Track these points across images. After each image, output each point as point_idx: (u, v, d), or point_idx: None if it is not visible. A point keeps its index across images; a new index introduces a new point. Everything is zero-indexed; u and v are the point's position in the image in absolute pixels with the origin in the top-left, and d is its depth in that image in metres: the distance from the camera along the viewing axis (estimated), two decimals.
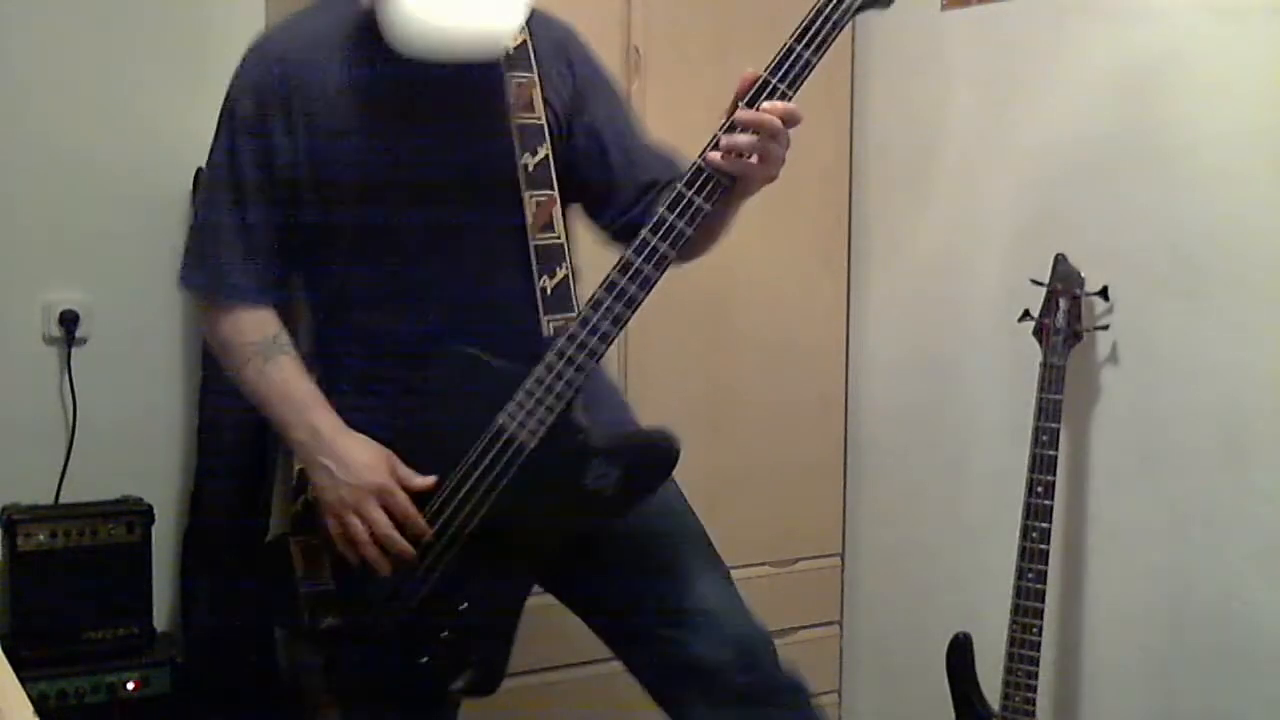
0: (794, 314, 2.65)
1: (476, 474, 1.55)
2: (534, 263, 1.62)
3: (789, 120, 1.48)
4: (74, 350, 2.46)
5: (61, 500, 2.42)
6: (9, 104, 2.41)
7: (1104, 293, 2.12)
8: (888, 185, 2.66)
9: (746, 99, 1.48)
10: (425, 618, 1.58)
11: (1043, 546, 2.04)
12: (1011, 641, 2.06)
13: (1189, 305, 2.07)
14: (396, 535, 1.54)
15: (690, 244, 1.51)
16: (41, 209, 2.44)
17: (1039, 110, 2.33)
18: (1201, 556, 2.07)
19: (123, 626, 2.31)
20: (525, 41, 1.66)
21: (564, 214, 1.67)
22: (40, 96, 2.43)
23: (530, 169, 1.63)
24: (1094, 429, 2.22)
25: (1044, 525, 2.04)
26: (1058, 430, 2.06)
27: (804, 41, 1.47)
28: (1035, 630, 2.04)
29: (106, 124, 2.49)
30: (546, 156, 1.64)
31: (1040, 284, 2.13)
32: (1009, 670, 2.06)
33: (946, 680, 2.16)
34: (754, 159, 1.48)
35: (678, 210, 1.48)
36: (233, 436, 2.48)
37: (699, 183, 1.48)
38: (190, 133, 2.52)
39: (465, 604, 1.57)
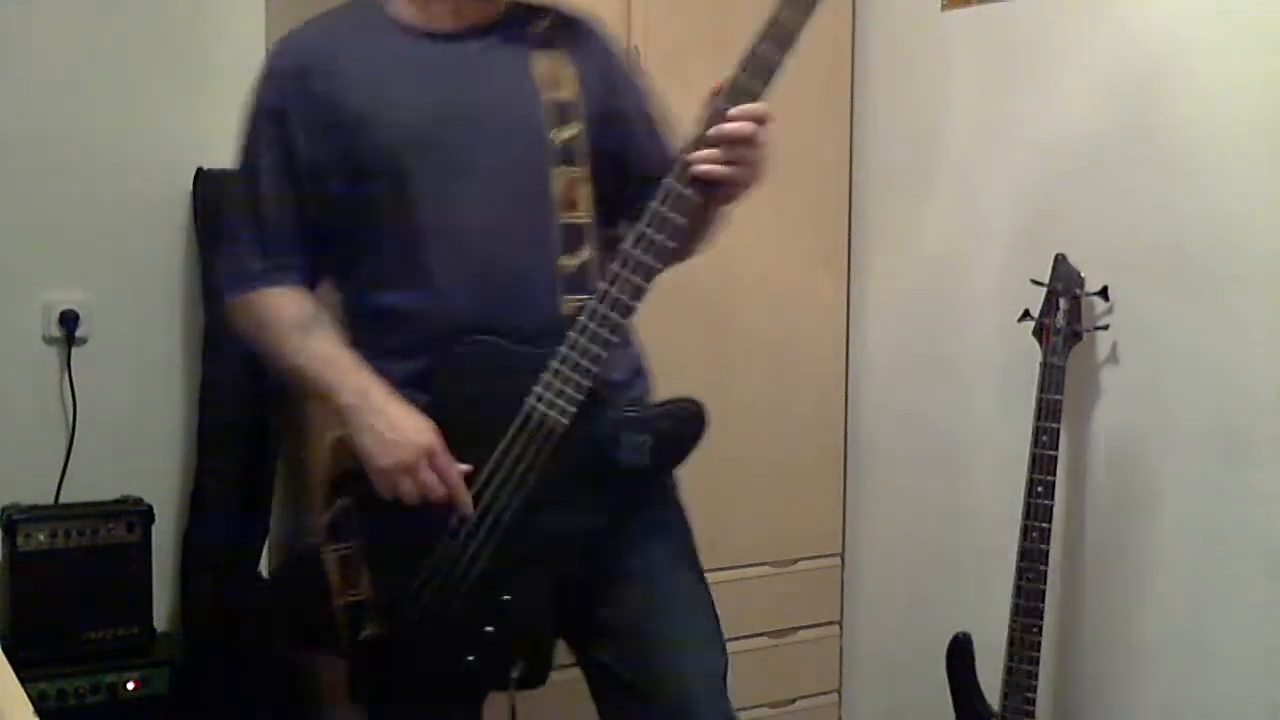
0: (794, 314, 2.65)
1: (510, 459, 1.54)
2: (555, 240, 1.61)
3: (761, 119, 1.50)
4: (74, 350, 2.46)
5: (61, 500, 2.42)
6: (9, 104, 2.41)
7: (1104, 293, 2.12)
8: (888, 185, 2.66)
9: (712, 114, 1.50)
10: (468, 614, 1.56)
11: (1043, 546, 2.04)
12: (1011, 641, 2.06)
13: (1189, 305, 2.07)
14: (448, 495, 1.53)
15: (697, 213, 1.54)
16: (41, 209, 2.44)
17: (1039, 110, 2.33)
18: (1202, 556, 2.07)
19: (123, 626, 2.31)
20: (552, 25, 1.67)
21: (593, 193, 1.65)
22: (40, 96, 2.44)
23: (560, 145, 1.61)
24: (1094, 429, 2.22)
25: (1044, 525, 2.04)
26: (1058, 430, 2.06)
27: (768, 37, 1.51)
28: (1035, 630, 2.04)
29: (107, 124, 2.49)
30: (578, 134, 1.62)
31: (1040, 284, 2.13)
32: (1009, 670, 2.06)
33: (946, 680, 2.16)
34: (731, 168, 1.50)
35: (682, 181, 1.51)
36: (233, 436, 2.48)
37: (685, 178, 1.51)
38: (191, 132, 2.54)
39: (508, 595, 1.57)
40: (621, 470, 1.57)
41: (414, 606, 1.57)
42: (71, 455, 2.45)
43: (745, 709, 2.55)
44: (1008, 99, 2.39)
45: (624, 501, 1.60)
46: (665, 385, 2.46)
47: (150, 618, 2.38)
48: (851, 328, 2.74)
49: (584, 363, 1.52)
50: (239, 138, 1.65)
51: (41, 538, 2.28)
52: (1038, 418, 2.07)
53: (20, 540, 2.26)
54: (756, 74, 1.50)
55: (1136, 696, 2.18)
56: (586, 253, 1.62)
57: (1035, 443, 2.06)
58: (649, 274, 1.52)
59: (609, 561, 1.62)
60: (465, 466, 1.55)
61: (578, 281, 1.60)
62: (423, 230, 1.59)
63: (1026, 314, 2.14)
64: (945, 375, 2.53)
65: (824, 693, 2.75)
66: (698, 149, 1.50)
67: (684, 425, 1.60)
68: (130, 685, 2.27)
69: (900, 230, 2.64)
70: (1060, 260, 2.13)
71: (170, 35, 2.53)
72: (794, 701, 2.69)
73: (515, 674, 1.57)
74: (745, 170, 1.52)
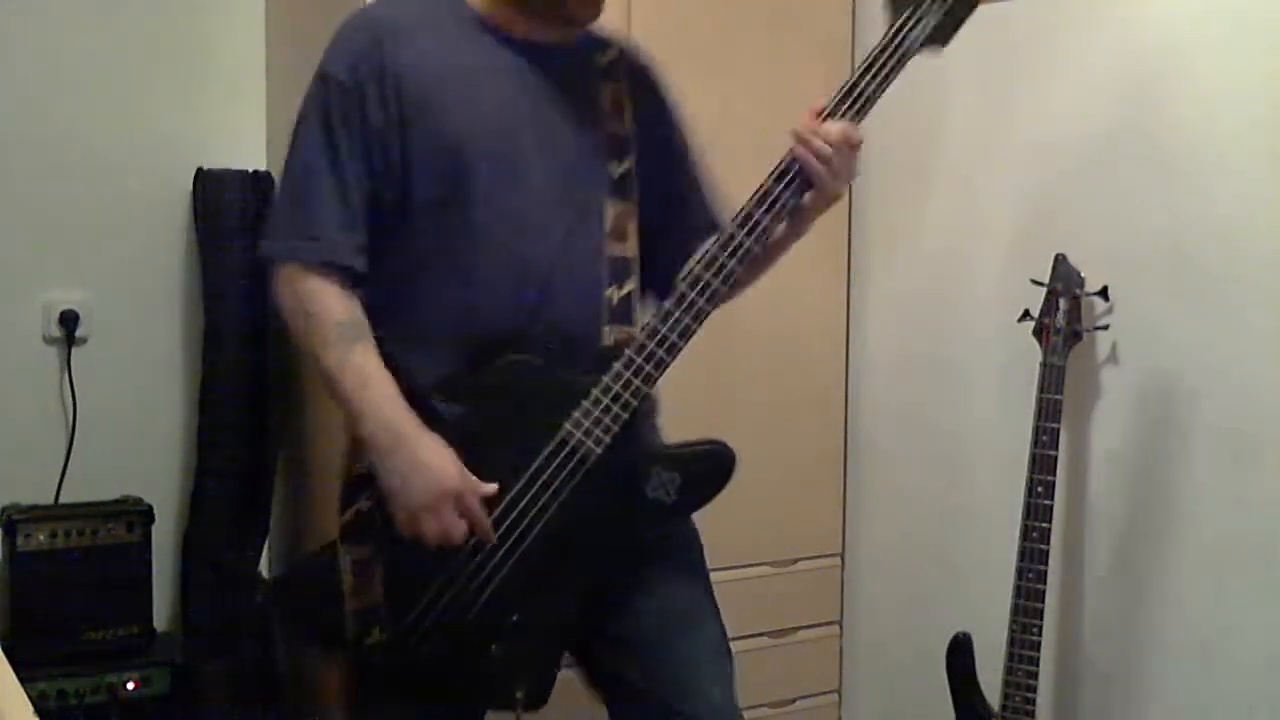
0: (794, 314, 2.65)
1: (540, 481, 1.53)
2: (605, 271, 1.60)
3: (849, 140, 1.57)
4: (74, 350, 2.47)
5: (61, 500, 2.42)
6: (9, 104, 2.41)
7: (1104, 293, 2.12)
8: (888, 185, 2.66)
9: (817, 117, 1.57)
10: (476, 631, 1.56)
11: (1043, 546, 2.03)
12: (1011, 641, 2.06)
13: (1189, 305, 2.07)
14: (469, 535, 1.52)
15: (754, 262, 1.57)
16: (41, 209, 2.45)
17: (1039, 110, 2.32)
18: (1202, 556, 2.07)
19: (123, 626, 2.31)
20: (617, 57, 1.69)
21: (638, 228, 1.66)
22: (41, 96, 2.44)
23: (616, 177, 1.63)
24: (1094, 429, 2.22)
25: (1044, 525, 2.04)
26: (1058, 430, 2.06)
27: (868, 75, 1.58)
28: (1035, 630, 2.04)
29: (107, 124, 2.49)
30: (630, 168, 1.64)
31: (1040, 284, 2.13)
32: (1009, 670, 2.06)
33: (946, 680, 2.16)
34: (831, 173, 1.56)
35: (747, 228, 1.54)
36: (233, 436, 2.48)
37: (783, 180, 1.55)
38: (191, 132, 2.55)
39: (516, 616, 1.56)
40: (647, 506, 1.57)
41: (423, 619, 1.56)
42: (71, 455, 2.45)
43: (745, 709, 2.54)
44: (1007, 99, 2.38)
45: (644, 536, 1.61)
46: (665, 385, 2.46)
47: (150, 618, 2.38)
48: (851, 328, 2.74)
49: (626, 395, 1.52)
50: (304, 108, 1.59)
51: (41, 538, 2.28)
52: (1038, 418, 2.07)
53: (20, 540, 2.26)
54: (853, 105, 1.59)
55: (1136, 697, 2.18)
56: (631, 285, 1.62)
57: (1035, 443, 2.06)
58: (699, 317, 1.53)
59: (621, 575, 1.62)
60: (491, 487, 1.53)
61: (621, 313, 1.60)
62: (474, 235, 1.57)
63: (1026, 314, 2.14)
64: (945, 375, 2.53)
65: (824, 693, 2.75)
66: (784, 172, 1.56)
67: (715, 468, 1.61)
68: (130, 685, 2.27)
69: (900, 230, 2.64)
70: (1060, 260, 2.13)
71: (170, 35, 2.54)
72: (794, 701, 2.69)
73: (520, 695, 1.56)
74: (840, 178, 1.58)
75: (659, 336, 1.52)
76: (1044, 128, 2.31)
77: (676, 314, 1.53)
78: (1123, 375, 2.18)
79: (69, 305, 2.46)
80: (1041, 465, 2.05)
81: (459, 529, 1.51)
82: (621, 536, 1.59)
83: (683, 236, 1.71)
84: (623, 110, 1.65)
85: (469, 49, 1.60)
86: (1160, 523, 2.13)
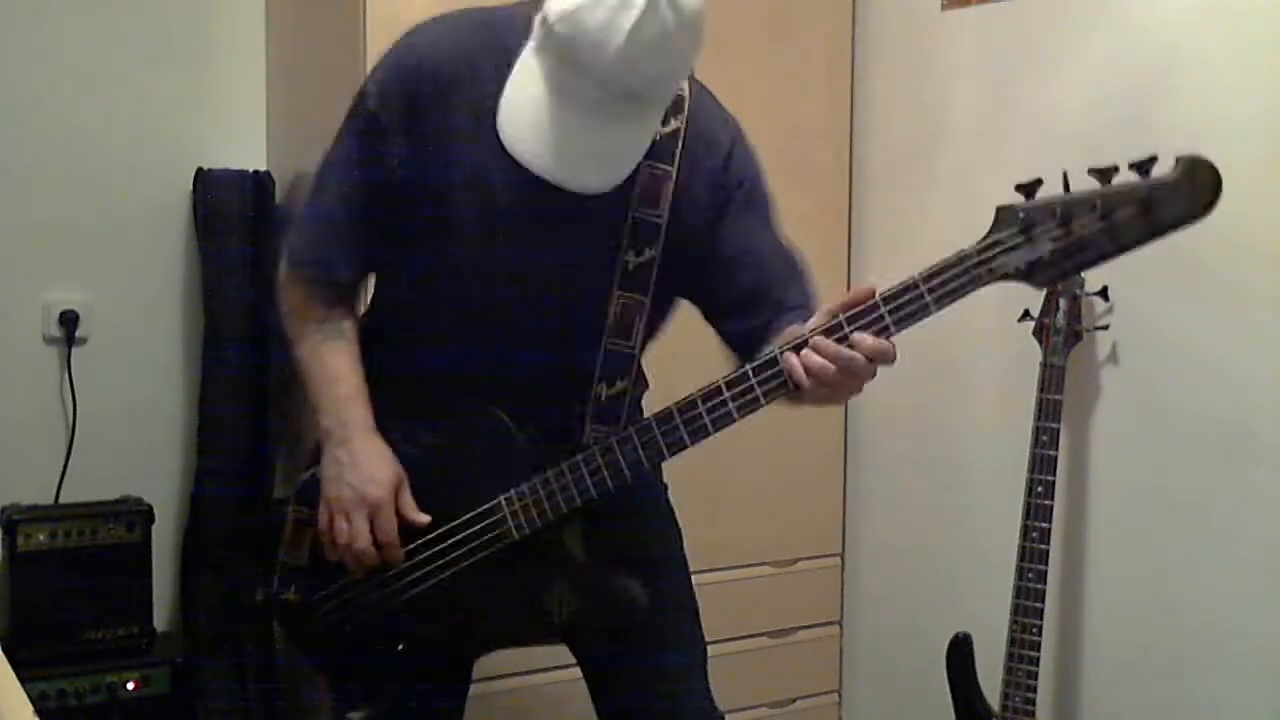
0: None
1: (456, 538, 1.54)
2: (598, 366, 1.54)
3: (878, 360, 1.36)
4: (74, 350, 2.46)
5: (61, 500, 2.42)
6: (10, 104, 2.41)
7: (1104, 293, 2.12)
8: (888, 185, 2.66)
9: (848, 316, 1.36)
10: (366, 633, 1.59)
11: (1043, 546, 2.04)
12: (1011, 641, 2.06)
13: (1189, 305, 2.07)
14: (371, 553, 1.53)
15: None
16: (41, 209, 2.45)
17: (1039, 110, 2.32)
18: (1202, 556, 2.07)
19: (123, 626, 2.31)
20: (677, 130, 1.51)
21: (648, 323, 1.56)
22: (41, 96, 2.44)
23: (630, 268, 1.52)
24: (1094, 429, 2.22)
25: (1044, 525, 2.04)
26: (1058, 430, 2.06)
27: (930, 283, 1.35)
28: (1035, 630, 2.04)
29: (107, 124, 2.49)
30: (653, 259, 1.52)
31: None
32: (1009, 670, 2.06)
33: (946, 680, 2.16)
34: (825, 387, 1.37)
35: (736, 389, 1.41)
36: (232, 437, 2.48)
37: (766, 374, 1.40)
38: (191, 133, 2.55)
39: (401, 646, 1.58)
40: (536, 612, 1.53)
41: (328, 600, 1.60)
42: (71, 455, 2.45)
43: (745, 709, 2.56)
44: (1007, 99, 2.38)
45: (525, 638, 1.62)
46: (665, 385, 2.46)
47: (150, 618, 2.38)
48: None
49: (562, 496, 1.48)
50: (345, 127, 1.56)
51: (41, 538, 2.28)
52: (1038, 418, 2.07)
53: (20, 540, 2.26)
54: (901, 316, 1.35)
55: (1136, 696, 2.18)
56: (623, 384, 1.54)
57: (1035, 443, 2.06)
58: (676, 450, 1.45)
59: (600, 561, 1.61)
60: (424, 517, 1.54)
61: (607, 411, 1.53)
62: (470, 307, 1.54)
63: (1026, 314, 2.14)
64: (945, 375, 2.53)
65: (824, 693, 2.75)
66: (798, 349, 1.37)
67: (611, 610, 1.53)
68: (130, 685, 2.27)
69: (900, 230, 2.64)
70: None
71: (170, 35, 2.54)
72: (794, 701, 2.69)
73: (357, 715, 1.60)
74: (834, 394, 1.39)
75: (624, 449, 1.45)
76: (1044, 128, 2.31)
77: (643, 440, 1.45)
78: (1123, 375, 2.18)
79: (69, 305, 2.46)
80: (1041, 465, 2.05)
81: (362, 541, 1.52)
82: (503, 623, 1.57)
83: (753, 311, 1.57)
84: (662, 195, 1.50)
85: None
86: (1160, 522, 2.13)
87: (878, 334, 1.35)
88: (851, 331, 1.35)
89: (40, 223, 2.45)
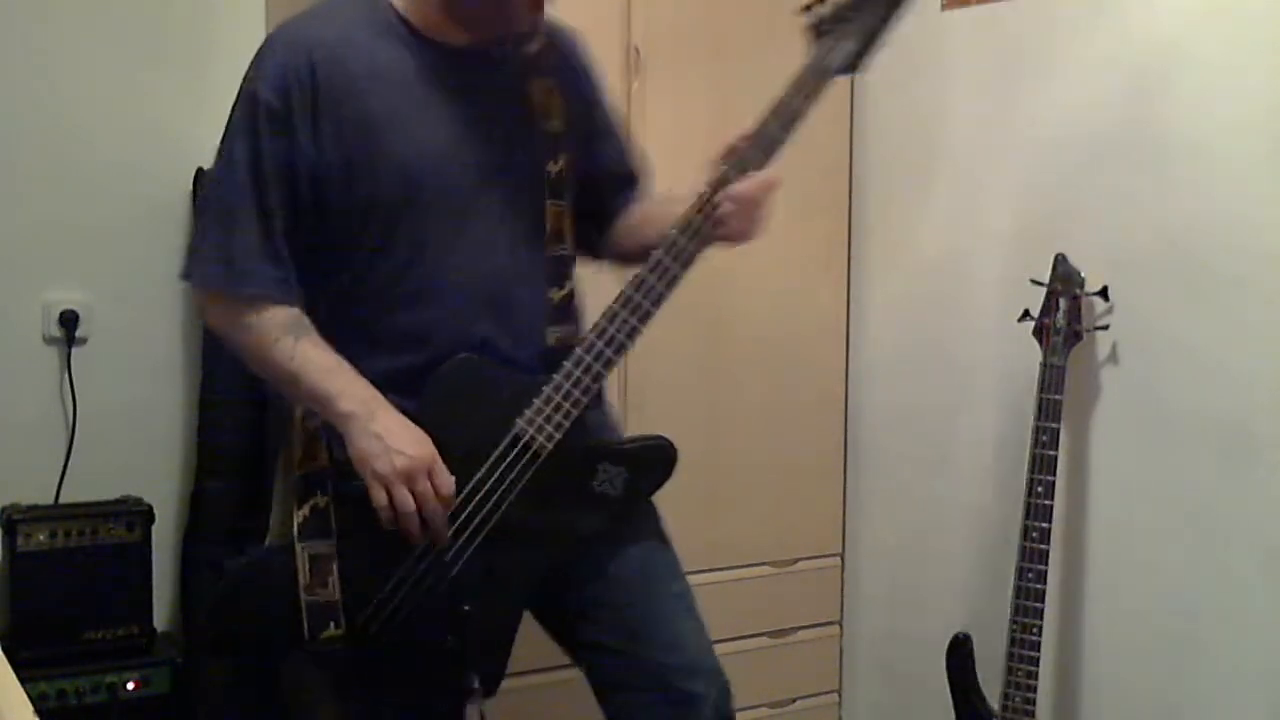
0: (794, 314, 2.65)
1: (494, 477, 1.56)
2: (546, 273, 1.64)
3: (769, 189, 1.60)
4: (74, 350, 2.46)
5: (61, 500, 2.41)
6: (10, 104, 2.41)
7: (1104, 293, 2.12)
8: (888, 185, 2.66)
9: (728, 169, 1.59)
10: (430, 623, 1.57)
11: (1043, 546, 2.04)
12: (1011, 641, 2.06)
13: (1189, 305, 2.07)
14: (441, 509, 1.53)
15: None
16: (41, 209, 2.44)
17: (1039, 110, 2.32)
18: (1202, 556, 2.07)
19: (123, 626, 2.31)
20: (547, 47, 1.67)
21: (573, 226, 1.69)
22: (41, 96, 2.43)
23: (552, 176, 1.65)
24: (1094, 429, 2.22)
25: (1044, 525, 2.04)
26: (1058, 430, 2.06)
27: (778, 110, 1.61)
28: (1035, 630, 2.04)
29: (107, 124, 2.49)
30: (565, 165, 1.66)
31: (1040, 284, 2.13)
32: (1009, 670, 2.06)
33: (946, 680, 2.16)
34: (736, 223, 1.59)
35: (687, 233, 1.58)
36: (233, 437, 2.48)
37: (690, 232, 1.58)
38: (190, 133, 2.54)
39: (468, 606, 1.57)
40: (594, 499, 1.61)
41: (380, 611, 1.58)
42: (71, 455, 2.45)
43: (745, 709, 2.55)
44: (1007, 99, 2.39)
45: (593, 529, 1.63)
46: (665, 385, 2.47)
47: (150, 618, 2.37)
48: (851, 328, 2.74)
49: (576, 393, 1.56)
50: (230, 127, 1.60)
51: (41, 538, 2.27)
52: (1038, 418, 2.07)
53: (20, 540, 2.26)
54: (761, 148, 1.60)
55: (1136, 696, 2.18)
56: (570, 285, 1.67)
57: (1035, 443, 2.06)
58: (645, 318, 1.58)
59: (585, 545, 1.65)
60: (451, 478, 1.54)
61: (562, 313, 1.65)
62: (421, 252, 1.59)
63: (1026, 314, 2.14)
64: (945, 375, 2.53)
65: (824, 693, 2.75)
66: (704, 207, 1.58)
67: (658, 460, 1.65)
68: (130, 685, 2.27)
69: (900, 230, 2.64)
70: (1060, 260, 2.13)
71: (170, 35, 2.53)
72: (794, 701, 2.69)
73: (475, 684, 1.57)
74: (749, 227, 1.61)
75: (607, 336, 1.56)
76: (1044, 127, 2.31)
77: (623, 315, 1.57)
78: (1123, 375, 2.18)
79: (69, 305, 2.45)
80: (1041, 465, 2.05)
81: (430, 497, 1.52)
82: (569, 529, 1.63)
83: (602, 199, 1.77)
84: (553, 105, 1.66)
85: (401, 64, 1.59)
86: (1160, 522, 2.13)
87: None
88: (734, 174, 1.60)
89: (40, 223, 2.44)
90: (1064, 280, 2.11)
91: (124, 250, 2.51)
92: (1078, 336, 2.10)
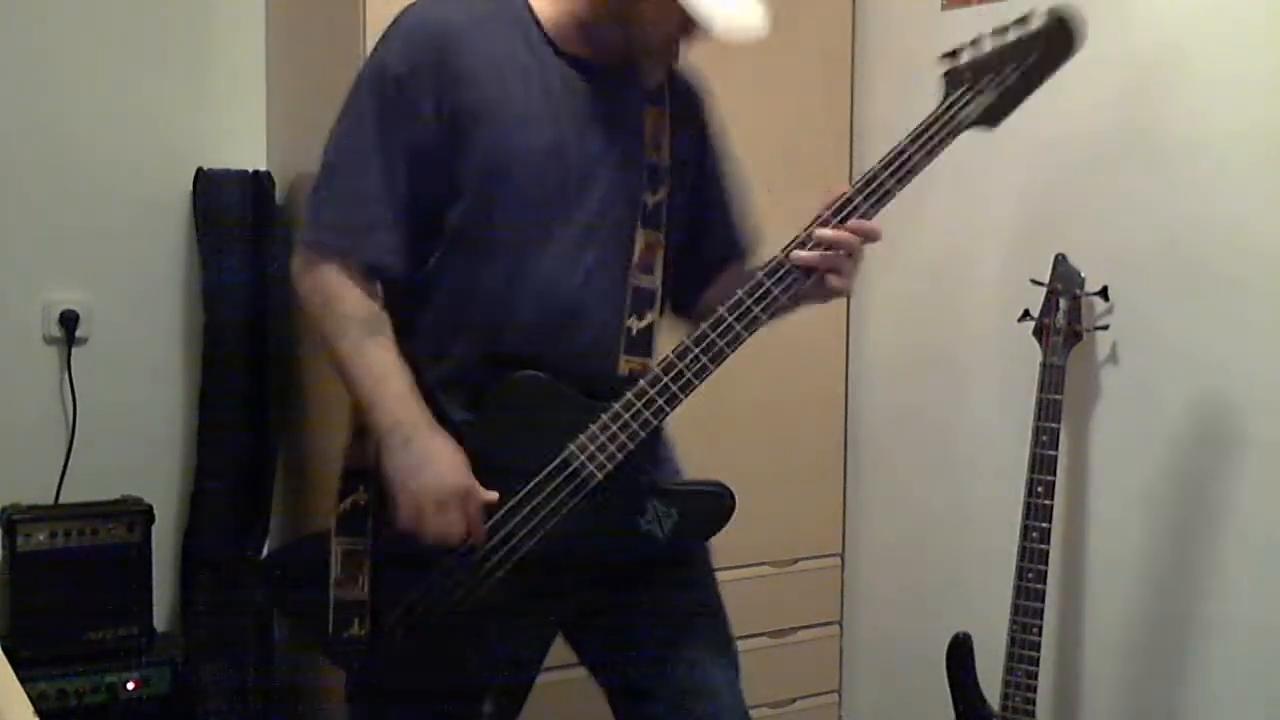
0: (794, 314, 2.64)
1: (539, 498, 1.53)
2: (628, 301, 1.60)
3: (868, 239, 1.59)
4: (74, 350, 2.47)
5: (61, 500, 2.42)
6: (10, 104, 2.41)
7: (1104, 293, 2.12)
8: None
9: (830, 213, 1.58)
10: (452, 639, 1.55)
11: (1043, 546, 2.04)
12: (1011, 641, 2.06)
13: (1189, 305, 2.07)
14: (468, 538, 1.51)
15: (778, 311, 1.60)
16: (41, 209, 2.45)
17: (1039, 110, 2.31)
18: (1201, 556, 2.07)
19: (123, 626, 2.31)
20: (675, 85, 1.67)
21: (665, 259, 1.65)
22: (41, 96, 2.44)
23: (649, 206, 1.62)
24: (1094, 429, 2.22)
25: (1044, 525, 2.04)
26: (1058, 430, 2.06)
27: (889, 169, 1.62)
28: (1035, 630, 2.04)
29: (107, 124, 2.49)
30: (664, 199, 1.63)
31: (1040, 284, 2.13)
32: (1009, 670, 2.06)
33: (946, 680, 2.16)
34: (829, 273, 1.57)
35: (774, 276, 1.57)
36: (233, 437, 2.48)
37: (778, 275, 1.56)
38: (191, 133, 2.55)
39: (495, 630, 1.56)
40: (639, 538, 1.56)
41: (406, 618, 1.56)
42: (71, 455, 2.45)
43: None
44: None
45: (632, 565, 1.59)
46: None
47: (150, 618, 2.38)
48: (851, 328, 2.74)
49: (635, 425, 1.53)
50: (354, 100, 1.57)
51: (41, 538, 2.28)
52: (1038, 418, 2.07)
53: (20, 540, 2.26)
54: (870, 197, 1.60)
55: (1136, 696, 2.18)
56: (651, 317, 1.62)
57: (1035, 443, 2.06)
58: (718, 358, 1.56)
59: (625, 578, 1.61)
60: (492, 495, 1.52)
61: (639, 343, 1.60)
62: (507, 254, 1.56)
63: (1026, 314, 2.14)
64: (945, 375, 2.53)
65: (824, 693, 2.75)
66: (800, 248, 1.57)
67: (712, 510, 1.60)
68: (130, 685, 2.28)
69: (900, 230, 2.63)
70: (1060, 260, 2.13)
71: (170, 35, 2.54)
72: (794, 701, 2.69)
73: (488, 709, 1.57)
74: (838, 279, 1.58)
75: (675, 371, 1.54)
76: (1044, 127, 2.30)
77: (695, 352, 1.54)
78: (1123, 375, 2.18)
79: (69, 305, 2.46)
80: (1041, 465, 2.05)
81: (458, 529, 1.50)
82: (608, 564, 1.58)
83: (702, 261, 1.73)
84: (663, 139, 1.64)
85: (528, 62, 1.57)
86: (1160, 522, 2.13)
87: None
88: (835, 221, 1.59)
89: (40, 223, 2.45)
90: (1064, 280, 2.11)
91: (124, 250, 2.51)
92: (1078, 336, 2.10)
